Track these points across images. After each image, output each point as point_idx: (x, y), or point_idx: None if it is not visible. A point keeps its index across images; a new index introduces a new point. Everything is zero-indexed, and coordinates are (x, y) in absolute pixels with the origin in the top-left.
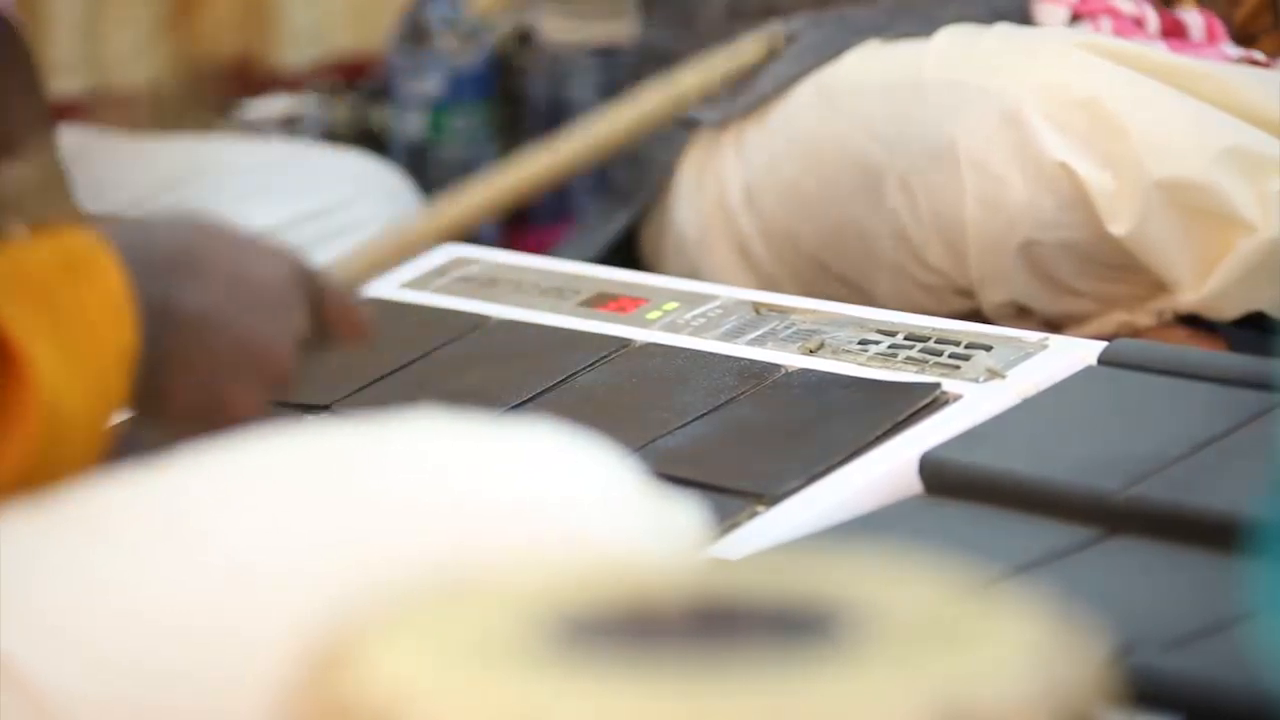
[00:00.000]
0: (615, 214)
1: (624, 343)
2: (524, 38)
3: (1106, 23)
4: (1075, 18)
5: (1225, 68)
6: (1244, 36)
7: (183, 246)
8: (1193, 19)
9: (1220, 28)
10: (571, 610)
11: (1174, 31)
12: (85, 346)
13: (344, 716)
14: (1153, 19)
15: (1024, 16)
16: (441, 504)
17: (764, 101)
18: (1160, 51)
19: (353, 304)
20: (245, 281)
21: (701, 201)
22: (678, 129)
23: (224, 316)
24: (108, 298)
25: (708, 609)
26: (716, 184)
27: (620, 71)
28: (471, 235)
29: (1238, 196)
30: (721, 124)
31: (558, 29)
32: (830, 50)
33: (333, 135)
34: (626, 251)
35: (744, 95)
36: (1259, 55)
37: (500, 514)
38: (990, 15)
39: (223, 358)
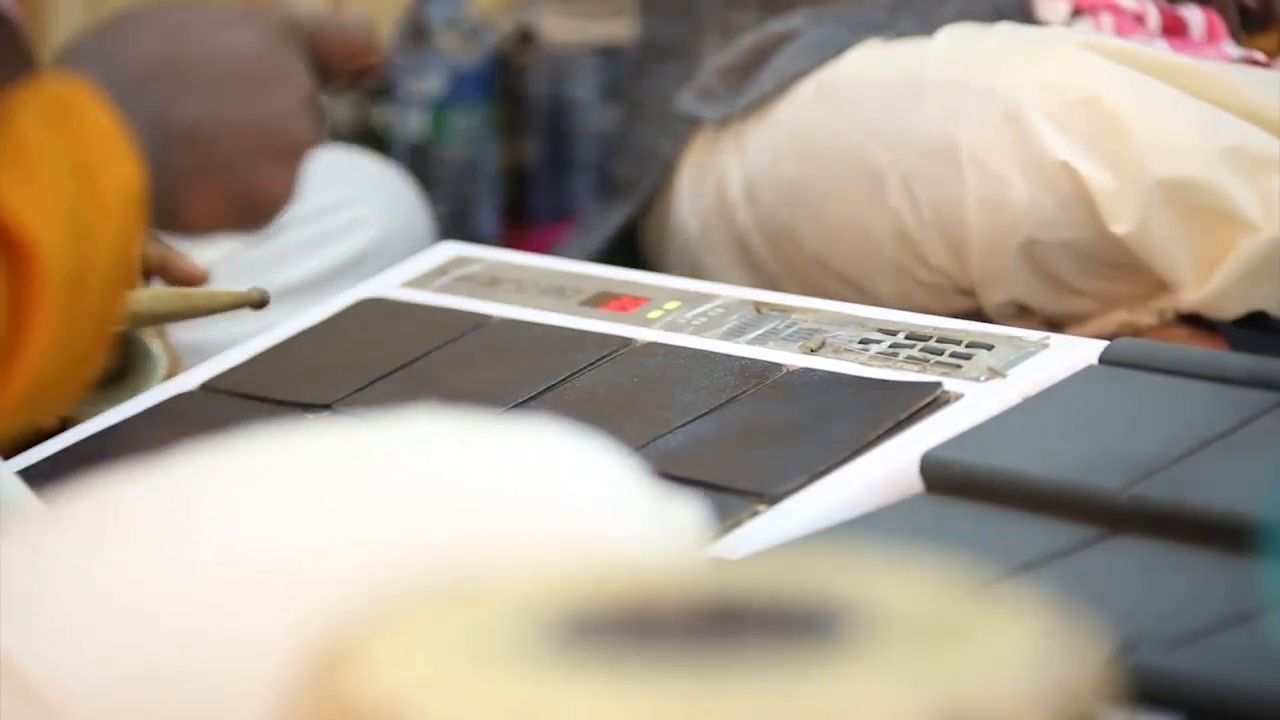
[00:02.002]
0: (615, 211)
1: (625, 342)
2: (525, 37)
3: (1107, 18)
4: (1076, 13)
5: (1227, 67)
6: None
7: (160, 55)
8: (1193, 16)
9: (1220, 25)
10: (572, 609)
11: (1174, 28)
12: (89, 200)
13: (344, 716)
14: (1153, 15)
15: (1025, 12)
16: (442, 504)
17: (765, 100)
18: (1162, 51)
19: (350, 32)
20: (232, 66)
21: (702, 199)
22: (678, 126)
23: (224, 112)
24: (102, 142)
25: (708, 608)
26: (717, 182)
27: (621, 70)
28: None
29: (1239, 196)
30: (722, 122)
31: (558, 28)
32: (831, 48)
33: (334, 134)
34: (628, 249)
35: (745, 93)
36: (1259, 55)
37: (500, 513)
38: (991, 12)
39: (237, 154)
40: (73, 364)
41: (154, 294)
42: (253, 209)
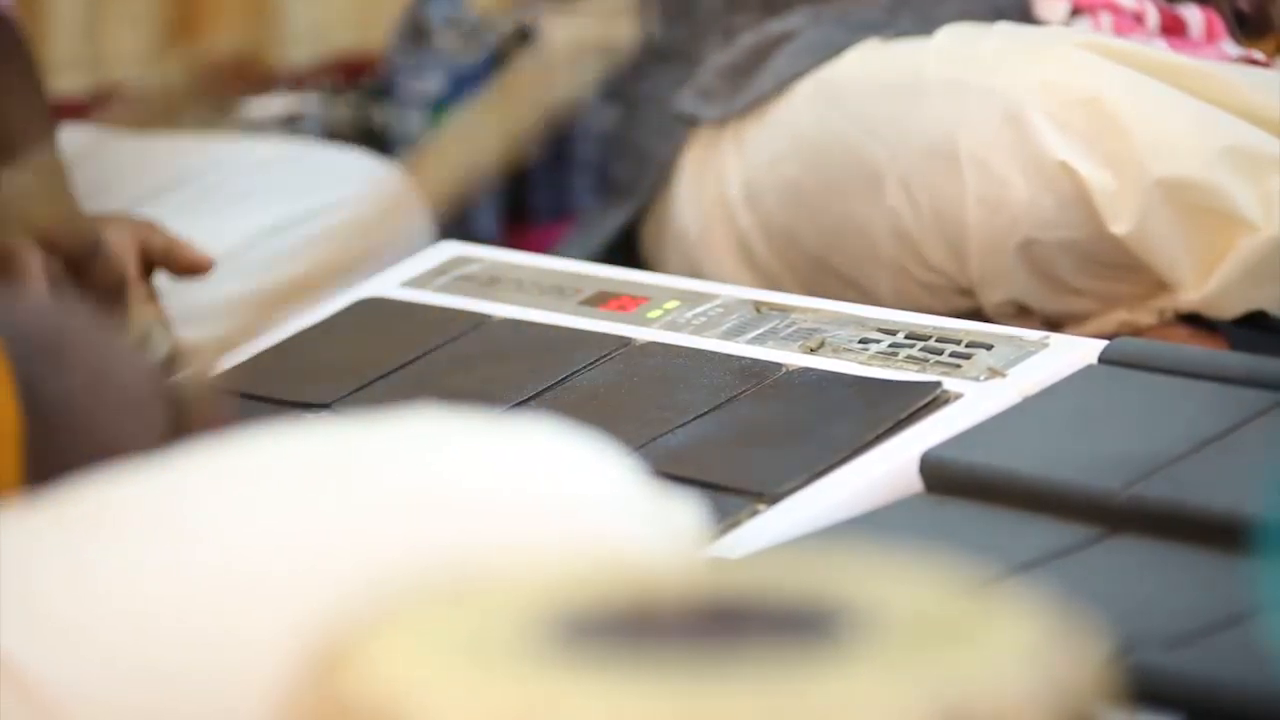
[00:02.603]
0: (614, 211)
1: (625, 341)
2: (524, 37)
3: (1106, 18)
4: (1075, 12)
5: (1226, 67)
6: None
7: (53, 335)
8: (1192, 15)
9: (1219, 25)
10: (572, 609)
11: (1173, 28)
12: None
13: (344, 716)
14: (1152, 14)
15: (1024, 12)
16: (442, 503)
17: (764, 100)
18: (1161, 51)
19: (212, 408)
20: (108, 379)
21: (702, 199)
22: (677, 126)
23: (84, 412)
24: None
25: (708, 608)
26: (717, 182)
27: (621, 70)
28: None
29: (1239, 195)
30: (721, 122)
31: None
32: (830, 48)
33: (334, 134)
34: (627, 249)
35: (744, 93)
36: (1258, 55)
37: (500, 513)
38: (990, 11)
39: (79, 455)
40: None
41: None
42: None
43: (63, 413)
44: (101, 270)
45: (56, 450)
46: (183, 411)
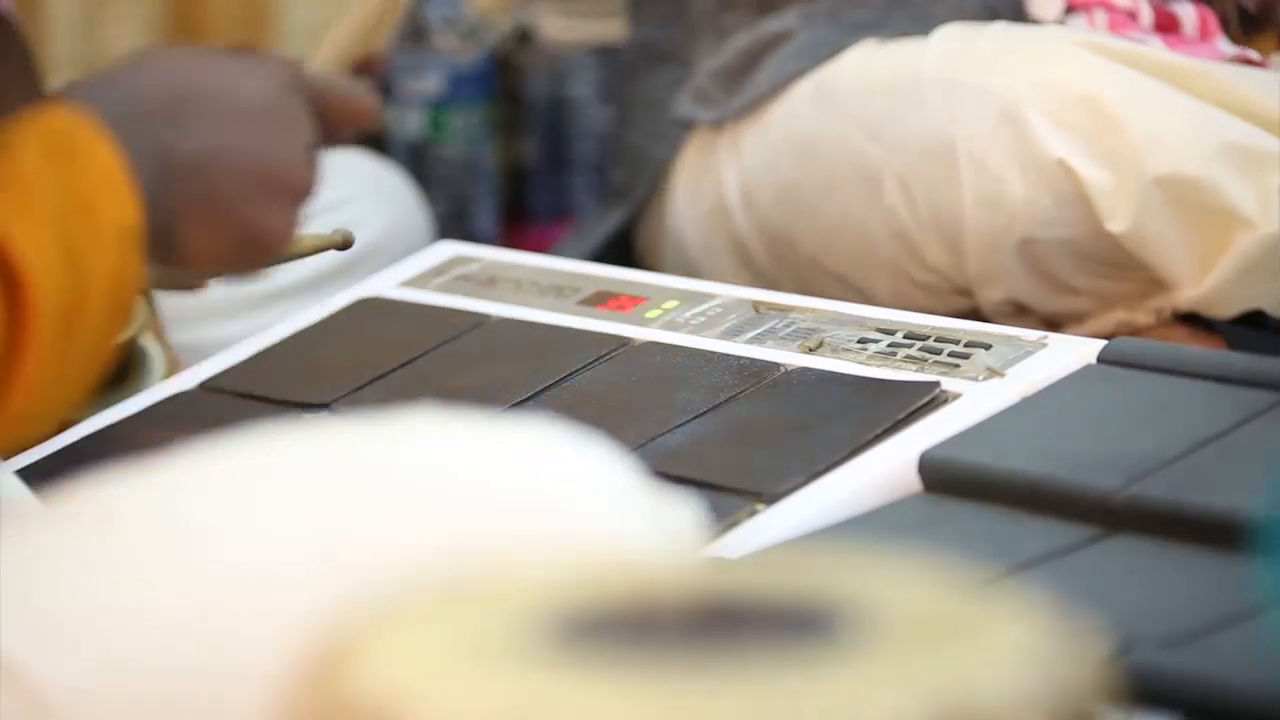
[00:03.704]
0: (610, 213)
1: (623, 341)
2: (523, 37)
3: (1101, 15)
4: (1069, 10)
5: (1222, 66)
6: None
7: (167, 90)
8: (1186, 12)
9: (1213, 22)
10: (571, 609)
11: (1167, 25)
12: (86, 233)
13: (344, 715)
14: (1146, 12)
15: (1017, 10)
16: (441, 502)
17: (760, 101)
18: (1158, 50)
19: (353, 92)
20: (240, 106)
21: (699, 202)
22: (673, 127)
23: (229, 149)
24: (101, 176)
25: (707, 608)
26: (714, 184)
27: (615, 72)
28: (470, 234)
29: (1236, 193)
30: (717, 124)
31: (557, 28)
32: (826, 50)
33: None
34: (623, 252)
35: (740, 95)
36: (1253, 54)
37: (499, 512)
38: (984, 10)
39: (240, 190)
40: (65, 389)
41: None
42: (250, 247)
43: (201, 164)
44: None
45: (209, 194)
46: (328, 103)
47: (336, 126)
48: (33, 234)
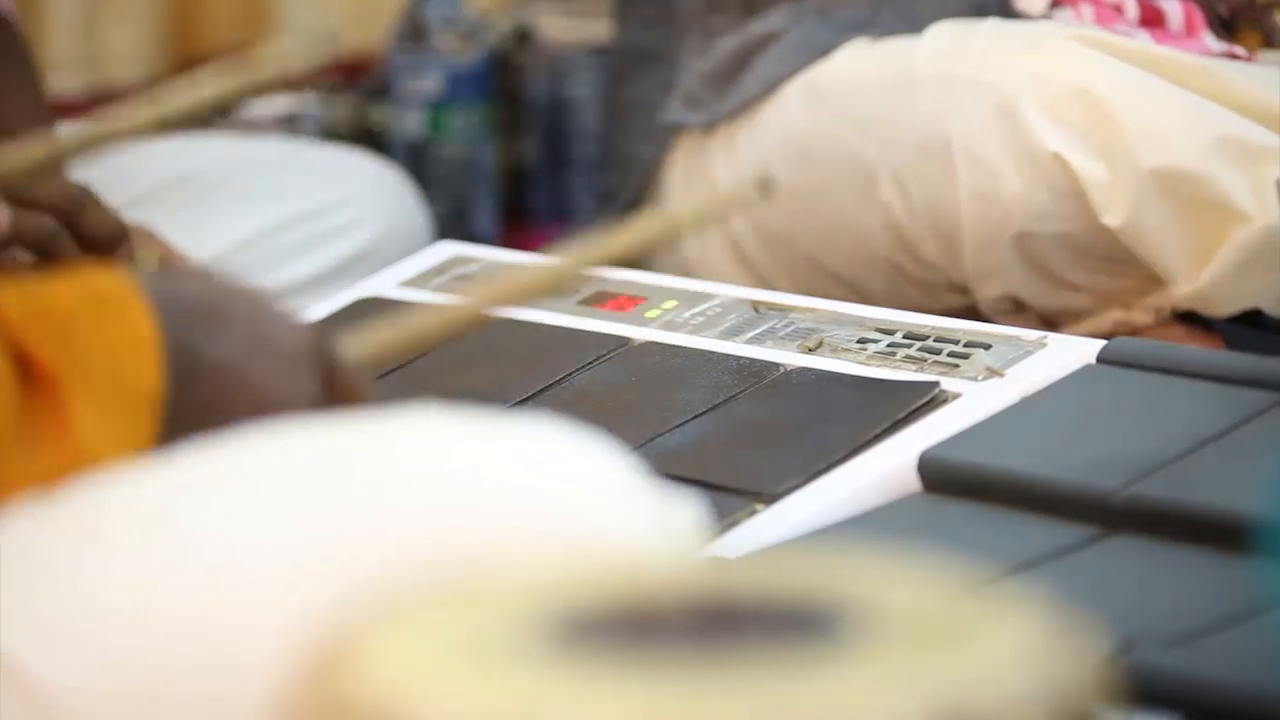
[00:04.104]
0: (605, 215)
1: (623, 341)
2: (523, 37)
3: (1087, 10)
4: (1055, 5)
5: (1216, 61)
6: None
7: (207, 297)
8: (1171, 8)
9: (1199, 17)
10: (571, 608)
11: (1153, 20)
12: (111, 388)
13: (342, 714)
14: (1132, 7)
15: (1004, 6)
16: (440, 501)
17: (752, 102)
18: (1151, 44)
19: (361, 381)
20: (265, 339)
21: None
22: (659, 129)
23: (243, 371)
24: (136, 338)
25: (706, 608)
26: (708, 186)
27: (604, 76)
28: (470, 234)
29: (1231, 186)
30: (709, 127)
31: (556, 28)
32: (816, 49)
33: (332, 134)
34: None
35: (731, 97)
36: (1240, 50)
37: (499, 511)
38: (970, 8)
39: (237, 412)
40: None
41: (217, 79)
42: None
43: (220, 372)
44: (94, 219)
45: (216, 406)
46: (334, 378)
47: (332, 401)
48: (62, 363)
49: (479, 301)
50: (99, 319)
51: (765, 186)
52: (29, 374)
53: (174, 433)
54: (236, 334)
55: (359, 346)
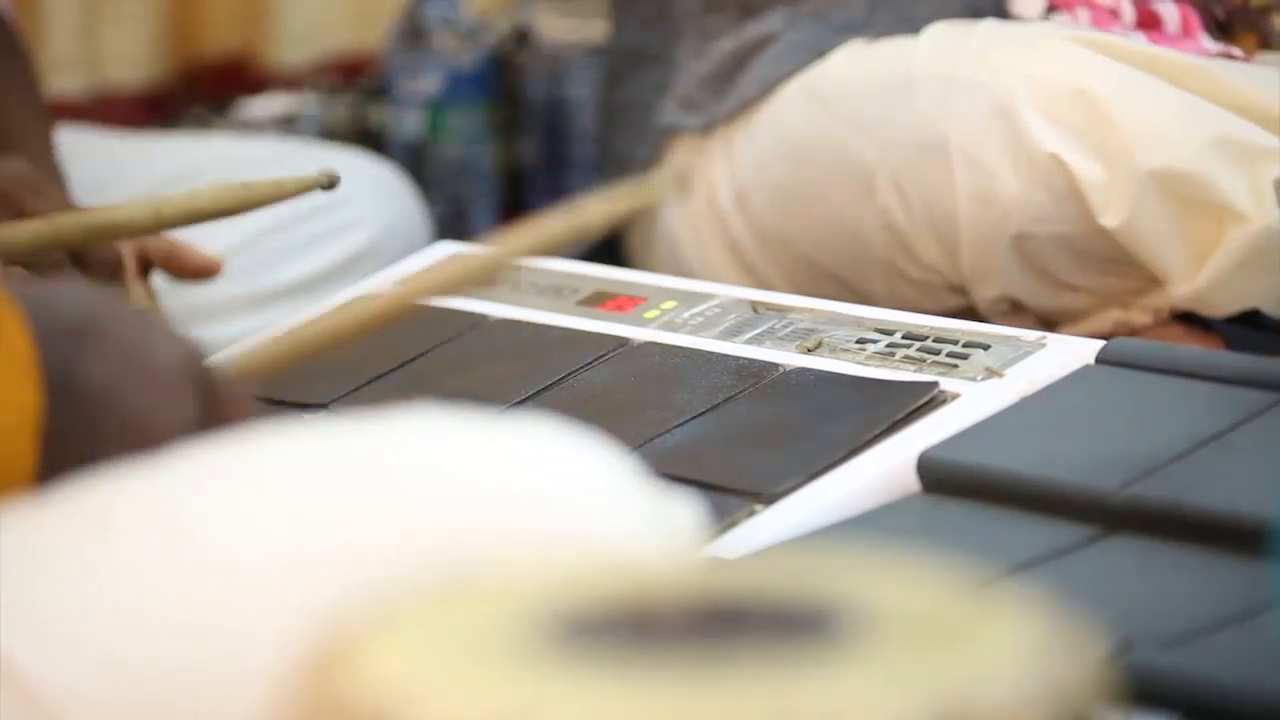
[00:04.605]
0: None
1: (622, 341)
2: (522, 37)
3: (1083, 13)
4: (1051, 8)
5: (1213, 61)
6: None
7: (85, 315)
8: (1168, 11)
9: (1195, 20)
10: (569, 609)
11: (1149, 23)
12: None
13: (342, 716)
14: (1128, 10)
15: (1000, 10)
16: (439, 502)
17: (749, 104)
18: (1149, 45)
19: (243, 399)
20: (143, 361)
21: (692, 205)
22: (654, 131)
23: (118, 394)
24: (12, 360)
25: (705, 608)
26: (706, 187)
27: (600, 76)
28: (469, 234)
29: (1230, 186)
30: (706, 130)
31: (556, 28)
32: (813, 50)
33: (331, 134)
34: (616, 256)
35: (728, 99)
36: (1237, 51)
37: (498, 512)
38: (966, 10)
39: (109, 438)
40: None
41: (216, 191)
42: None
43: (93, 394)
44: (97, 251)
45: (87, 432)
46: (214, 398)
47: (215, 422)
48: None
49: (368, 308)
50: None
51: (330, 181)
52: None
53: (49, 459)
54: (113, 353)
55: (246, 361)
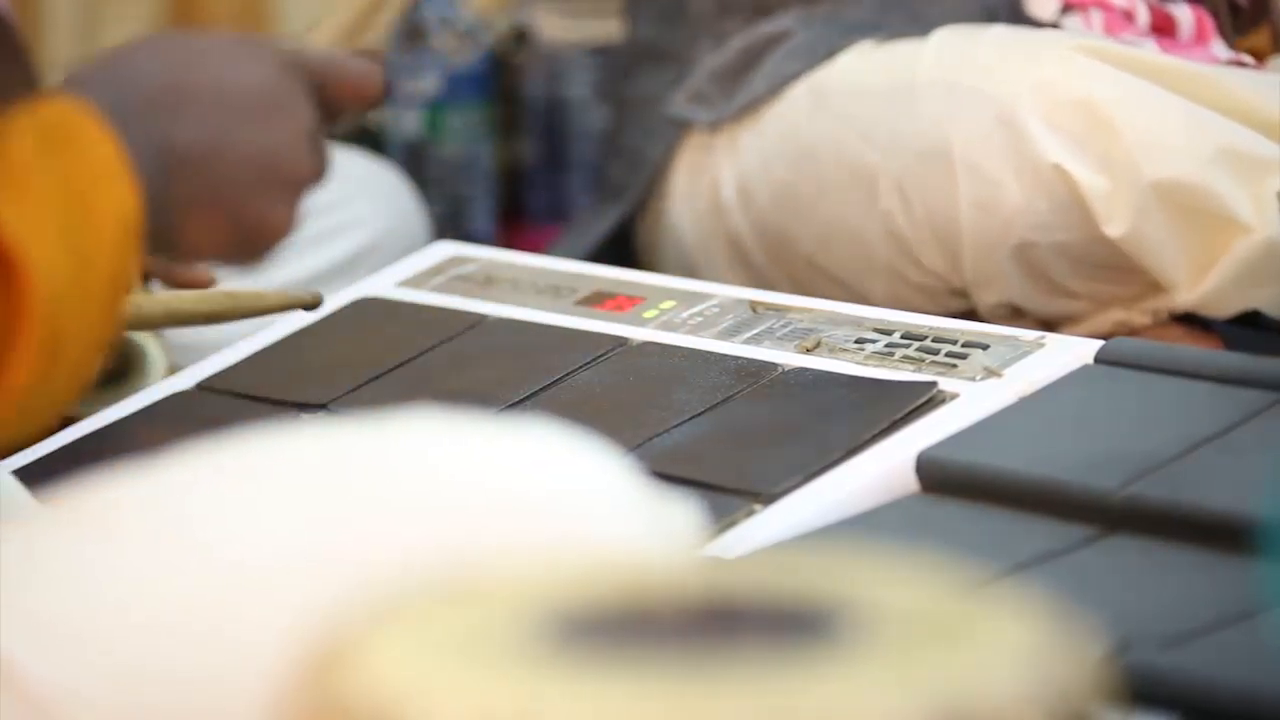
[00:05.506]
0: (607, 211)
1: (621, 341)
2: (521, 37)
3: (1097, 15)
4: (1066, 9)
5: (1218, 69)
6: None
7: (164, 80)
8: (1183, 14)
9: (1209, 25)
10: (568, 609)
11: (1163, 27)
12: (84, 223)
13: (341, 716)
14: (1143, 12)
15: (1014, 9)
16: (439, 503)
17: (757, 103)
18: (1154, 54)
19: (353, 69)
20: (236, 94)
21: (696, 202)
22: (667, 126)
23: (227, 138)
24: (99, 166)
25: (704, 608)
26: (711, 185)
27: (613, 72)
28: (468, 234)
29: (1233, 197)
30: (714, 125)
31: (555, 28)
32: (822, 51)
33: (330, 134)
34: (622, 251)
35: (737, 96)
36: (1247, 58)
37: (497, 513)
38: (981, 11)
39: (239, 183)
40: (63, 379)
41: (199, 296)
42: (251, 239)
43: (205, 148)
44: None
45: (218, 179)
46: (326, 84)
47: (340, 107)
48: (30, 221)
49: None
50: (58, 157)
51: (315, 301)
52: None
53: (178, 229)
54: (205, 106)
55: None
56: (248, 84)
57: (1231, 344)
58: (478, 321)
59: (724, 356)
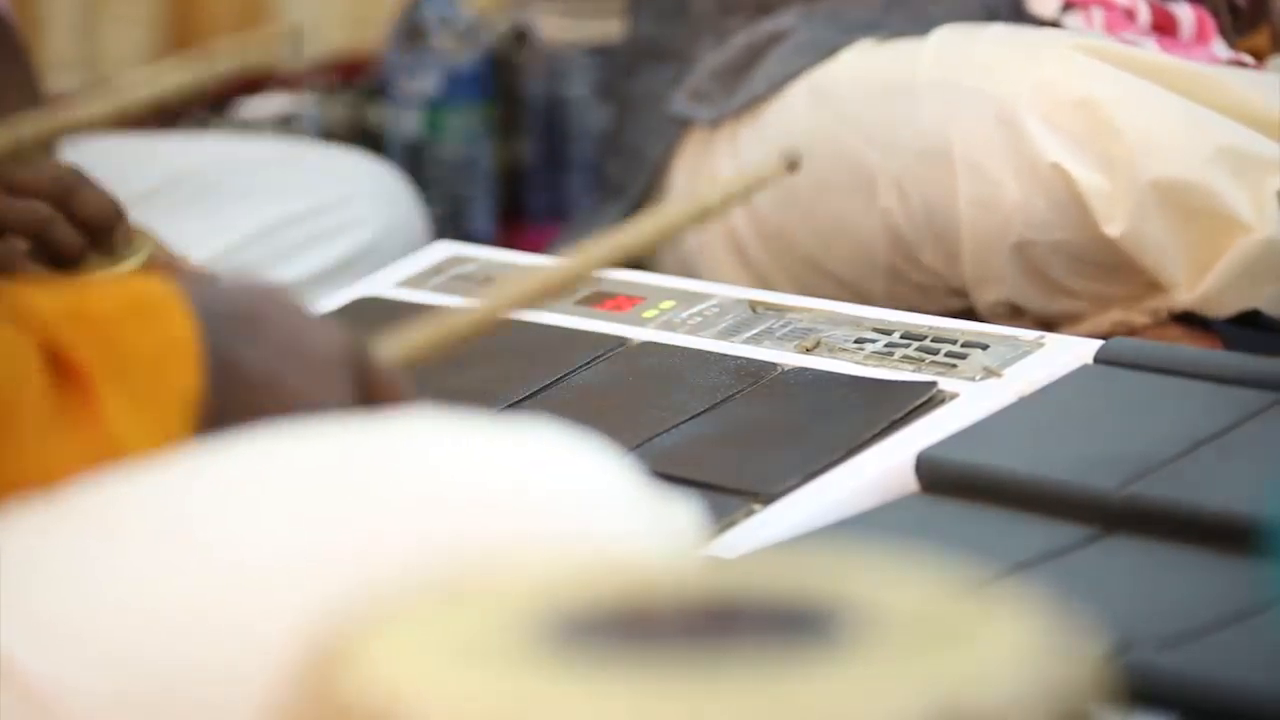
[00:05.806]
0: (608, 210)
1: (620, 341)
2: (521, 37)
3: (1098, 13)
4: (1067, 7)
5: (1218, 69)
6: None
7: (246, 306)
8: (1184, 13)
9: (1210, 25)
10: (569, 609)
11: (1164, 25)
12: (149, 389)
13: (342, 715)
14: (1144, 11)
15: (1015, 6)
16: (439, 502)
17: (758, 101)
18: (1154, 53)
19: (398, 385)
20: (301, 350)
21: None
22: (668, 124)
23: (278, 382)
24: (175, 343)
25: (704, 608)
26: (710, 182)
27: (614, 70)
28: (467, 234)
29: (1232, 196)
30: (715, 123)
31: (554, 28)
32: (823, 49)
33: (330, 134)
34: None
35: (738, 94)
36: (1247, 58)
37: (497, 512)
38: (982, 9)
39: (270, 418)
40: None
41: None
42: None
43: (255, 380)
44: (88, 200)
45: (248, 416)
46: (372, 383)
47: (370, 406)
48: (98, 362)
49: (512, 298)
50: (138, 322)
51: (793, 163)
52: (62, 371)
53: (207, 423)
54: (274, 341)
55: (391, 349)
56: (313, 347)
57: (1231, 344)
58: None
59: (724, 356)
